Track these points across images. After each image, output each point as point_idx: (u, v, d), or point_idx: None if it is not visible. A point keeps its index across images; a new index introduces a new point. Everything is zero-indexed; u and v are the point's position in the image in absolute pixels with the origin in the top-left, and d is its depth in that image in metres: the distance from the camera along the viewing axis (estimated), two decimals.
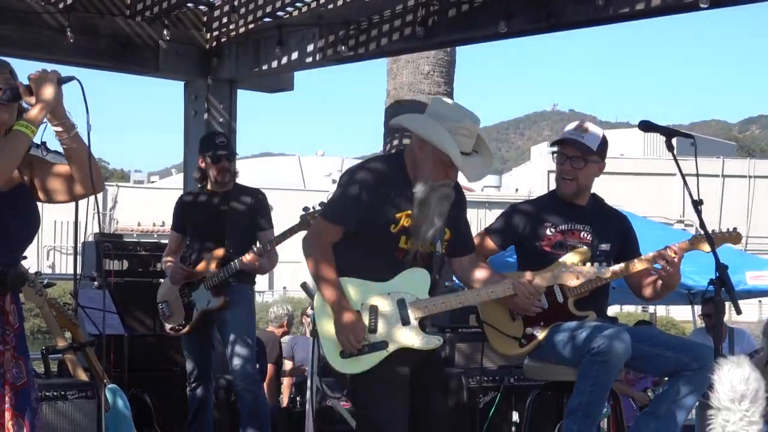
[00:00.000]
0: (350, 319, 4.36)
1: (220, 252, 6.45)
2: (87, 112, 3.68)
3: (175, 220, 6.93)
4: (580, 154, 5.13)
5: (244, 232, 6.49)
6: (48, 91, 3.59)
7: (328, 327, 4.42)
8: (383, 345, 4.39)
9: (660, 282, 5.13)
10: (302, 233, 5.62)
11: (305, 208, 6.21)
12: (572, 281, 4.78)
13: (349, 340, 4.35)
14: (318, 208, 5.96)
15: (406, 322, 4.44)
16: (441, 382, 4.86)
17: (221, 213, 6.62)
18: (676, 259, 4.96)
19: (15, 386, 3.63)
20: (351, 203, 4.46)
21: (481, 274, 4.82)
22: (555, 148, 5.26)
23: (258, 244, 6.45)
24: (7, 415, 3.58)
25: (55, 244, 41.67)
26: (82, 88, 3.69)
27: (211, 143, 6.78)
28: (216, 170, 6.66)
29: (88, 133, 3.72)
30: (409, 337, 4.43)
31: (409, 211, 4.46)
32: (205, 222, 6.65)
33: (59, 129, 3.67)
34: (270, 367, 10.75)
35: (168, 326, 6.80)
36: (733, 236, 5.10)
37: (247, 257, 6.29)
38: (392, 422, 4.38)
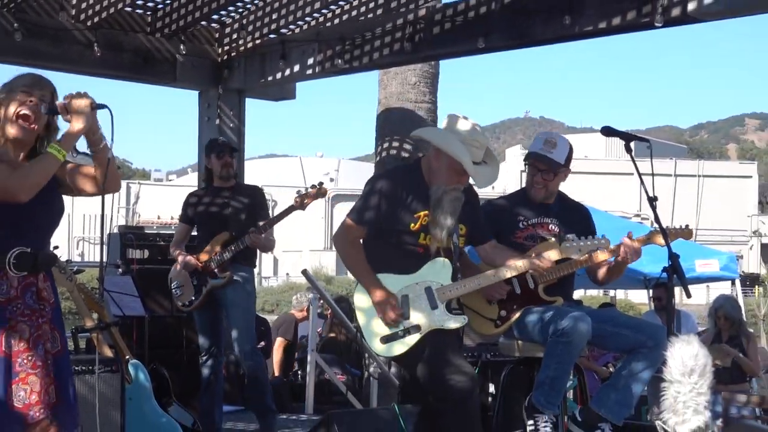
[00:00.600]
0: (385, 296, 4.53)
1: (224, 236, 6.48)
2: (112, 138, 3.74)
3: (184, 213, 6.94)
4: (548, 167, 5.18)
5: (244, 223, 6.51)
6: (82, 121, 3.61)
7: (367, 318, 4.58)
8: (417, 329, 4.54)
9: (612, 270, 5.19)
10: (297, 215, 5.74)
11: (298, 191, 6.30)
12: (576, 255, 4.89)
13: (387, 314, 4.51)
14: (310, 190, 6.08)
15: (434, 306, 4.59)
16: (461, 353, 4.98)
17: (225, 205, 6.66)
18: (637, 247, 4.99)
19: (50, 353, 3.64)
20: (372, 208, 4.63)
21: (502, 257, 4.92)
22: (528, 161, 5.28)
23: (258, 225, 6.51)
24: (47, 380, 3.58)
25: (84, 235, 41.67)
26: (111, 116, 3.72)
27: (215, 144, 6.93)
28: (220, 165, 6.74)
29: (110, 154, 3.76)
30: (439, 319, 4.57)
31: (427, 211, 4.62)
32: (211, 214, 6.68)
33: (90, 145, 3.72)
34: (282, 342, 10.73)
35: (179, 303, 6.82)
36: (685, 232, 5.12)
37: (252, 237, 6.33)
38: (454, 362, 4.54)
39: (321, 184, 6.36)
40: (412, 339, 4.54)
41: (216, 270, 6.45)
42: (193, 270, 6.61)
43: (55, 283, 3.82)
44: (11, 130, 3.63)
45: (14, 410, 3.49)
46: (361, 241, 4.74)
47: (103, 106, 3.68)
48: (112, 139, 3.74)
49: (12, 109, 3.62)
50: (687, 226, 5.18)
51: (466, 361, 4.70)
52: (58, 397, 3.62)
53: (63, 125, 3.76)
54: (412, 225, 4.62)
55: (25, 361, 3.54)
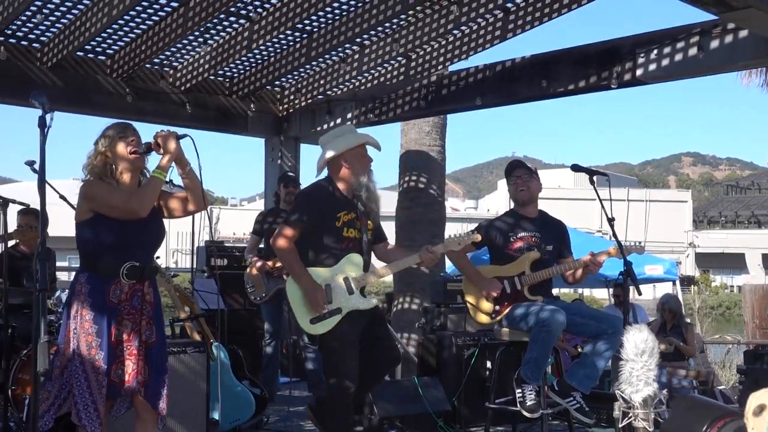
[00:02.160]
0: (316, 288, 4.32)
1: None
2: (198, 157, 3.76)
3: (256, 227, 6.97)
4: (526, 171, 5.19)
5: None
6: (172, 146, 3.65)
7: (298, 304, 4.37)
8: (338, 311, 4.37)
9: (579, 275, 5.15)
10: None
11: (449, 236, 6.03)
12: (455, 247, 4.74)
13: (317, 303, 4.31)
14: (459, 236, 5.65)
15: (351, 292, 4.41)
16: (387, 332, 4.78)
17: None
18: (601, 261, 5.00)
19: (147, 343, 3.67)
20: (303, 215, 4.41)
21: (395, 253, 4.77)
22: (508, 175, 5.25)
23: None
24: (141, 363, 3.62)
25: (177, 247, 41.82)
26: (193, 142, 3.76)
27: (285, 176, 7.12)
28: (285, 192, 6.82)
29: (200, 170, 3.77)
30: (355, 302, 4.41)
31: (345, 211, 4.45)
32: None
33: (179, 168, 3.73)
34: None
35: (252, 298, 6.85)
36: (638, 248, 5.11)
37: None
38: (350, 367, 4.38)
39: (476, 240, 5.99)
40: (335, 320, 4.35)
41: (285, 274, 6.44)
42: (266, 272, 6.66)
43: (157, 284, 3.84)
44: (129, 164, 3.67)
45: (112, 383, 3.55)
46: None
47: (184, 136, 3.71)
48: (198, 160, 3.74)
49: (121, 148, 3.65)
50: (639, 243, 5.17)
51: (357, 364, 4.41)
52: (150, 377, 3.65)
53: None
54: (337, 223, 4.40)
55: (125, 348, 3.59)
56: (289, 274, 4.47)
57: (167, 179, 3.75)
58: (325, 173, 4.62)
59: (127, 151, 3.65)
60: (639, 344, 3.57)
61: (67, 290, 6.23)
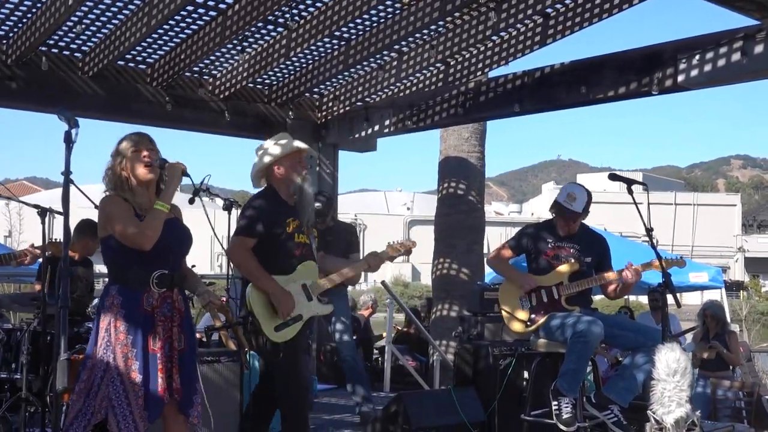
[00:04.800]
0: (285, 293, 4.29)
1: None
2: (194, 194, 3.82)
3: None
4: (571, 217, 5.07)
5: (341, 253, 6.37)
6: (178, 178, 3.70)
7: (262, 312, 4.30)
8: (299, 317, 4.34)
9: (620, 288, 5.07)
10: (381, 237, 5.54)
11: (389, 242, 6.02)
12: (394, 253, 4.81)
13: (289, 307, 4.27)
14: (398, 245, 5.64)
15: (310, 298, 4.42)
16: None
17: (326, 242, 6.51)
18: (634, 275, 4.88)
19: (177, 350, 3.66)
20: (254, 223, 4.35)
21: (332, 261, 4.93)
22: (555, 209, 5.14)
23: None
24: (170, 372, 3.61)
25: (222, 251, 42.16)
26: (192, 181, 3.81)
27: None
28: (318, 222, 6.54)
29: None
30: (315, 308, 4.45)
31: (292, 218, 4.42)
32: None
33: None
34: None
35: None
36: (679, 262, 5.03)
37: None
38: (305, 373, 4.44)
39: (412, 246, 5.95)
40: (298, 326, 4.33)
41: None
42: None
43: (185, 292, 3.83)
44: (144, 177, 3.65)
45: (159, 394, 3.54)
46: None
47: (187, 175, 3.75)
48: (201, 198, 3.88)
49: (134, 161, 3.63)
50: (681, 257, 5.06)
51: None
52: (181, 384, 3.64)
53: None
54: (287, 228, 4.37)
55: (161, 357, 3.59)
56: (249, 282, 4.38)
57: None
58: (262, 185, 4.62)
59: (141, 164, 3.63)
60: (671, 364, 3.47)
61: None
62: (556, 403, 4.78)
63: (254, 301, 4.33)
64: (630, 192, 4.70)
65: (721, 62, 5.67)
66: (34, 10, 6.13)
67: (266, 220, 4.37)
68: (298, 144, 4.58)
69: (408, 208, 46.19)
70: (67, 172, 2.69)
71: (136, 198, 3.66)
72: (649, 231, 4.56)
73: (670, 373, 3.45)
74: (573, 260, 5.03)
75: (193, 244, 3.89)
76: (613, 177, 4.88)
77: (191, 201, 4.11)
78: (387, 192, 54.30)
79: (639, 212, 4.56)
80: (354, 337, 10.90)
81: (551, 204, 5.20)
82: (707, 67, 5.76)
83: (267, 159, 4.51)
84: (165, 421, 3.68)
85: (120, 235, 3.56)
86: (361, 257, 5.63)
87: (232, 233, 4.57)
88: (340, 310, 6.48)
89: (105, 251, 3.67)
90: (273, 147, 4.54)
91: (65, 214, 2.73)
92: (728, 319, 9.39)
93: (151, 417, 3.64)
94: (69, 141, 2.75)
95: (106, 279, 3.70)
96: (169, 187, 3.68)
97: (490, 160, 9.45)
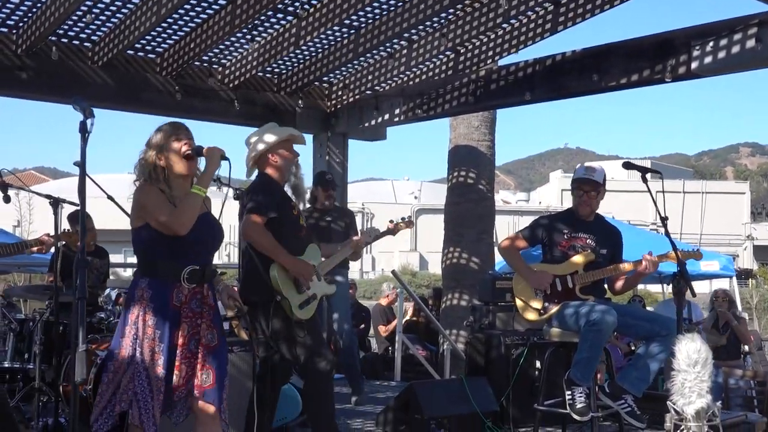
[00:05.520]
0: (302, 262, 4.46)
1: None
2: (229, 182, 3.74)
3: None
4: (593, 188, 5.05)
5: (341, 237, 6.42)
6: (216, 162, 3.61)
7: (289, 292, 4.41)
8: (315, 296, 4.55)
9: (628, 282, 5.13)
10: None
11: (390, 221, 6.12)
12: (369, 239, 5.27)
13: (309, 272, 4.46)
14: (400, 221, 5.88)
15: (319, 278, 4.62)
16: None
17: (327, 223, 6.65)
18: (653, 266, 4.87)
19: (208, 347, 3.57)
20: (270, 201, 4.44)
21: (325, 247, 5.07)
22: (575, 186, 5.12)
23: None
24: (198, 365, 3.55)
25: (230, 240, 42.15)
26: (230, 165, 3.68)
27: (323, 179, 6.85)
28: (325, 196, 6.72)
29: (225, 198, 3.83)
30: (324, 288, 4.70)
31: (292, 202, 4.63)
32: (319, 228, 6.57)
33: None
34: (383, 329, 10.58)
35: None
36: (696, 255, 4.99)
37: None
38: (326, 350, 4.61)
39: (409, 217, 6.16)
40: (315, 304, 4.55)
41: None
42: None
43: (214, 287, 3.77)
44: (182, 168, 3.60)
45: (179, 388, 3.50)
46: None
47: (226, 158, 3.67)
48: (229, 184, 3.75)
49: (174, 150, 3.57)
50: (698, 249, 5.04)
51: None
52: (215, 381, 3.57)
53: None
54: (294, 211, 4.57)
55: (180, 353, 3.52)
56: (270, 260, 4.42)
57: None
58: (254, 174, 4.67)
59: (180, 153, 3.57)
60: (692, 354, 3.44)
61: (117, 289, 6.34)
62: (569, 392, 4.77)
63: (282, 282, 4.41)
64: (645, 180, 4.67)
65: (735, 49, 5.62)
66: (44, 0, 6.11)
67: (276, 203, 4.47)
68: (291, 130, 4.71)
69: (416, 197, 46.07)
70: (83, 163, 2.67)
71: (173, 192, 3.58)
72: (663, 220, 4.53)
73: (691, 364, 3.43)
74: (589, 251, 5.02)
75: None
76: (628, 165, 4.86)
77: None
78: (394, 181, 54.20)
79: (654, 201, 4.54)
80: (362, 327, 10.93)
81: (572, 182, 5.14)
82: (721, 54, 5.71)
83: (261, 146, 4.57)
84: (197, 419, 3.61)
85: (155, 222, 3.49)
86: None
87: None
88: (340, 298, 6.53)
89: (136, 242, 3.60)
90: (266, 135, 4.61)
91: (82, 204, 2.71)
92: (739, 307, 9.39)
93: (176, 416, 3.62)
94: (84, 131, 2.72)
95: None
96: (207, 172, 3.60)
97: (498, 148, 9.41)
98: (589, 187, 5.05)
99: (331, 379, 4.59)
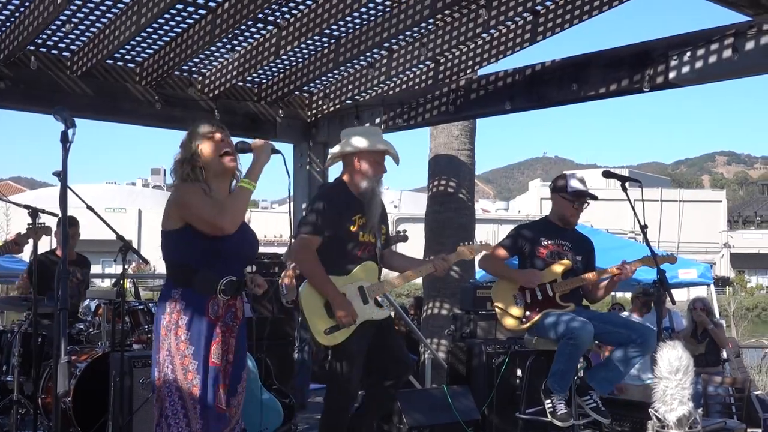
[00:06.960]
0: (345, 302, 4.17)
1: None
2: (289, 175, 3.61)
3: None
4: (592, 198, 5.17)
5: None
6: (266, 157, 3.43)
7: (314, 312, 4.18)
8: (353, 322, 4.21)
9: (606, 287, 5.14)
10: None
11: (397, 232, 6.02)
12: (467, 256, 4.66)
13: (347, 319, 4.14)
14: (401, 232, 5.72)
15: (366, 301, 4.27)
16: (398, 342, 4.58)
17: None
18: (631, 271, 4.93)
19: (231, 364, 3.36)
20: (320, 220, 4.23)
21: (401, 260, 4.61)
22: (574, 197, 5.14)
23: None
24: (226, 386, 3.31)
25: None
26: (284, 158, 3.54)
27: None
28: None
29: (290, 191, 3.66)
30: (370, 312, 4.27)
31: (360, 215, 4.29)
32: None
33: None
34: None
35: (284, 300, 6.78)
36: (670, 258, 5.10)
37: None
38: (355, 377, 4.23)
39: (404, 231, 6.03)
40: (349, 330, 4.17)
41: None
42: (298, 276, 6.60)
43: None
44: (221, 168, 3.38)
45: (220, 411, 3.24)
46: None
47: (278, 152, 3.51)
48: (289, 176, 3.61)
49: (209, 150, 3.36)
50: (672, 254, 5.12)
51: (359, 375, 4.31)
52: (235, 397, 3.39)
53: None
54: (352, 227, 4.23)
55: (218, 370, 3.28)
56: (306, 280, 4.25)
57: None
58: (338, 171, 4.51)
59: (217, 153, 3.36)
60: (673, 362, 3.47)
61: (96, 299, 6.28)
62: (549, 401, 4.81)
63: (306, 300, 4.20)
64: (624, 189, 4.72)
65: (713, 59, 5.69)
66: (22, 9, 6.07)
67: (335, 218, 4.23)
68: (384, 145, 4.40)
69: (395, 206, 46.13)
70: (64, 173, 2.65)
71: (212, 193, 3.34)
72: (643, 228, 4.58)
73: (672, 371, 3.46)
74: (566, 259, 5.06)
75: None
76: (608, 174, 4.91)
77: None
78: None
79: (633, 210, 4.58)
80: None
81: (572, 193, 5.12)
82: (698, 64, 5.78)
83: (349, 149, 4.39)
84: None
85: (199, 220, 3.24)
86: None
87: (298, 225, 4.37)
88: None
89: (169, 248, 3.35)
90: (358, 139, 4.39)
91: (63, 214, 2.69)
92: (717, 315, 9.48)
93: None
94: (66, 141, 2.69)
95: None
96: (256, 165, 3.37)
97: (477, 157, 9.45)
98: (589, 199, 5.15)
99: (345, 414, 4.30)
